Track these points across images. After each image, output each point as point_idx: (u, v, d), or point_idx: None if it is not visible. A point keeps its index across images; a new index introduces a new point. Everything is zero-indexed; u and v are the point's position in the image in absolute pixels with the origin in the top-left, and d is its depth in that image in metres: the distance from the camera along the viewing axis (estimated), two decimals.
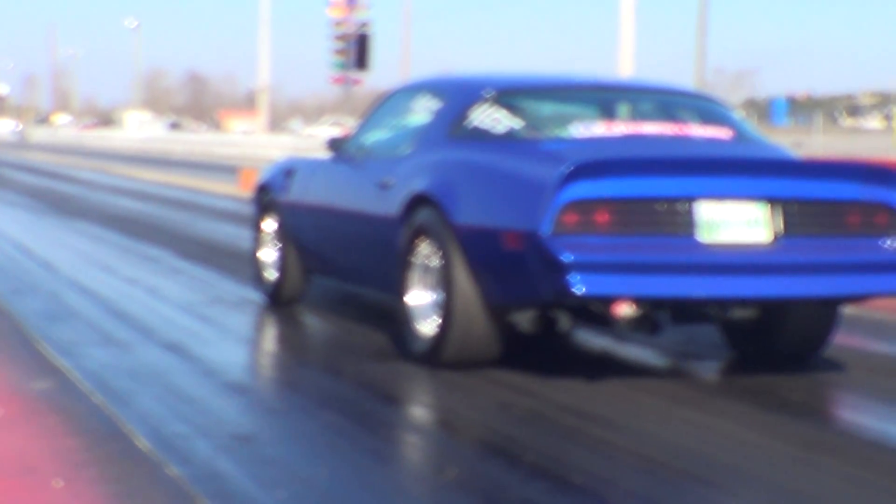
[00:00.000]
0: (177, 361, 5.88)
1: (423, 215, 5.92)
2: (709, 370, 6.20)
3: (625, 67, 28.10)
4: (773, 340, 6.15)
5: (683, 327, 6.83)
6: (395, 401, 5.27)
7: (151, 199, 18.94)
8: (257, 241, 8.11)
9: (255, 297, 8.11)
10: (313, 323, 7.47)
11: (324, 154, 7.71)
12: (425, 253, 5.94)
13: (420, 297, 6.00)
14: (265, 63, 52.05)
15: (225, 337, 6.68)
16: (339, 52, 39.85)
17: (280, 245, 7.79)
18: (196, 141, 56.82)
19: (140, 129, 78.30)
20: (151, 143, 60.27)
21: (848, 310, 7.77)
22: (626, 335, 6.72)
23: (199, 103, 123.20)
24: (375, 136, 7.11)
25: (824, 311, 6.08)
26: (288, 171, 7.85)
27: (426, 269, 5.97)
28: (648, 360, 6.35)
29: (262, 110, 54.16)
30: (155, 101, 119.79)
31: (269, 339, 7.06)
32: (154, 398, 5.07)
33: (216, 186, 23.37)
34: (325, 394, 5.30)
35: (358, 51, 39.10)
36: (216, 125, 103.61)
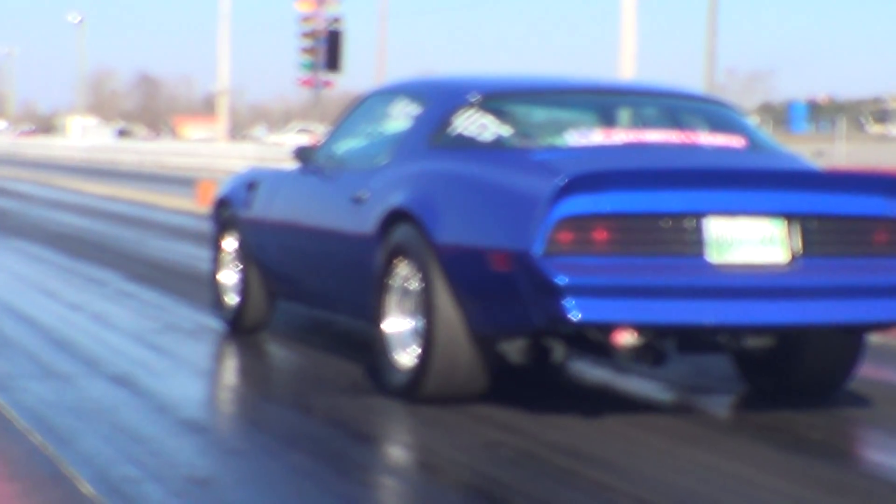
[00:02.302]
0: (126, 396, 5.88)
1: (401, 233, 5.94)
2: (718, 405, 6.23)
3: (626, 69, 28.19)
4: (790, 372, 6.17)
5: (690, 358, 6.85)
6: (369, 440, 5.27)
7: (97, 215, 18.91)
8: (216, 261, 8.11)
9: (214, 324, 8.11)
10: (279, 353, 7.47)
11: (290, 165, 7.72)
12: (404, 275, 5.95)
13: (398, 325, 6.01)
14: (225, 63, 52.09)
15: (180, 369, 6.67)
16: (308, 50, 39.87)
17: (241, 266, 7.79)
18: (148, 150, 56.77)
19: (85, 137, 78.22)
20: (98, 152, 60.17)
21: (874, 338, 7.81)
22: (627, 366, 6.74)
23: (151, 108, 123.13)
24: (348, 145, 7.13)
25: (848, 340, 6.09)
26: (250, 184, 7.86)
27: (405, 292, 5.98)
28: (651, 395, 6.37)
29: (221, 116, 54.17)
30: (101, 105, 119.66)
31: (230, 371, 7.06)
32: (100, 437, 5.06)
33: (170, 201, 23.35)
34: (292, 432, 5.30)
35: (329, 50, 39.14)
36: (171, 132, 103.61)
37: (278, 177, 7.70)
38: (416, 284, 5.83)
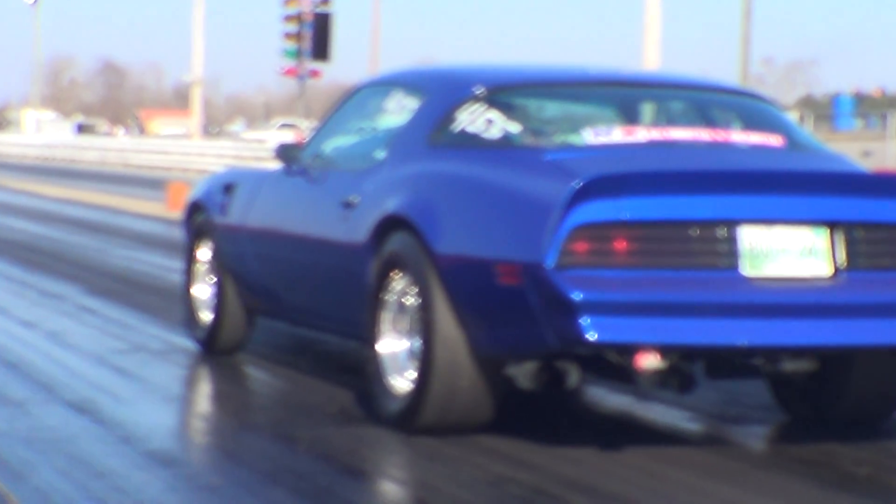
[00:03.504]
0: (86, 425, 5.89)
1: (397, 242, 5.95)
2: (752, 437, 6.24)
3: (650, 57, 28.23)
4: (833, 400, 6.18)
5: (721, 384, 6.86)
6: (360, 475, 5.27)
7: (54, 221, 18.92)
8: (189, 273, 8.12)
9: (186, 343, 8.12)
10: (259, 376, 7.47)
11: (272, 165, 7.73)
12: (400, 289, 5.97)
13: (393, 345, 6.02)
14: (199, 50, 52.16)
15: (147, 394, 6.68)
16: (292, 36, 39.89)
17: (216, 279, 7.80)
18: (112, 147, 56.80)
19: (40, 132, 78.26)
20: (55, 149, 60.20)
21: None
22: (650, 393, 6.75)
23: (115, 100, 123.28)
24: (337, 143, 7.15)
25: None
26: (227, 186, 7.87)
27: (401, 309, 5.99)
28: (677, 424, 6.38)
29: (195, 109, 54.23)
30: (59, 97, 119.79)
31: (203, 396, 7.06)
32: (56, 472, 5.07)
33: (137, 204, 23.37)
34: (273, 466, 5.31)
35: (316, 35, 39.16)
36: (138, 127, 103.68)
37: (258, 178, 7.70)
38: (414, 300, 5.85)
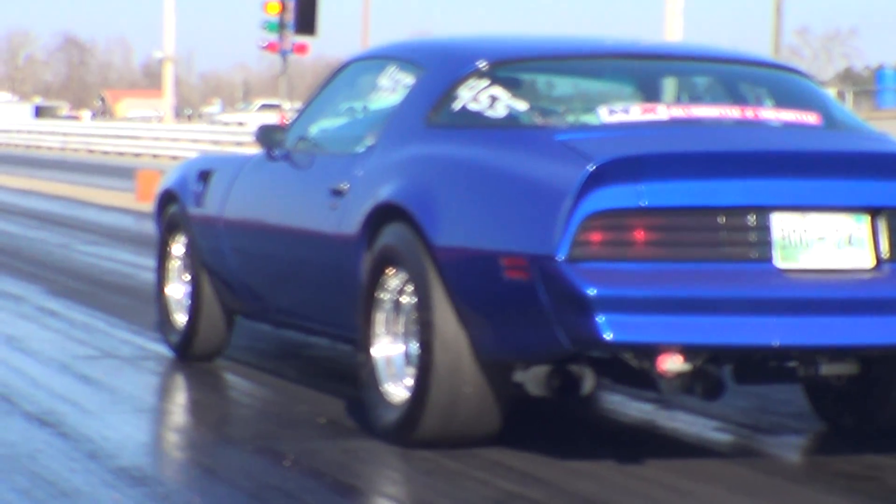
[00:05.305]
0: (48, 439, 5.89)
1: (392, 235, 5.96)
2: (788, 448, 6.26)
3: (672, 28, 28.24)
4: (877, 407, 6.19)
5: (752, 389, 6.87)
6: (352, 492, 5.29)
7: (12, 214, 18.94)
8: (162, 271, 8.13)
9: (160, 349, 8.13)
10: (240, 385, 7.49)
11: (252, 150, 7.74)
12: (395, 287, 5.98)
13: (388, 349, 6.04)
14: (170, 23, 52.15)
15: (116, 405, 6.69)
16: (274, 6, 39.88)
17: (192, 276, 7.81)
18: (75, 132, 56.80)
19: None
20: (11, 134, 60.24)
21: None
22: (673, 400, 6.77)
23: (78, 80, 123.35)
24: (324, 125, 7.16)
25: None
26: (203, 174, 7.87)
27: (397, 309, 6.01)
28: (704, 435, 6.40)
29: (166, 89, 54.22)
30: (16, 76, 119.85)
31: (179, 407, 7.07)
32: (16, 491, 5.07)
33: (103, 196, 23.39)
34: (256, 483, 5.32)
35: (301, 5, 39.15)
36: (105, 110, 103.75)
37: (237, 164, 7.71)
38: (410, 299, 5.86)
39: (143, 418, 6.61)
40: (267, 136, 7.31)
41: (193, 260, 7.83)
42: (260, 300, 7.42)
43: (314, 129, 7.16)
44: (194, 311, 7.77)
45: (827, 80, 74.78)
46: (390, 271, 5.98)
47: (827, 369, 5.74)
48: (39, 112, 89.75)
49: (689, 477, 5.51)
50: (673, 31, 28.09)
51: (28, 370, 7.47)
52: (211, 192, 7.73)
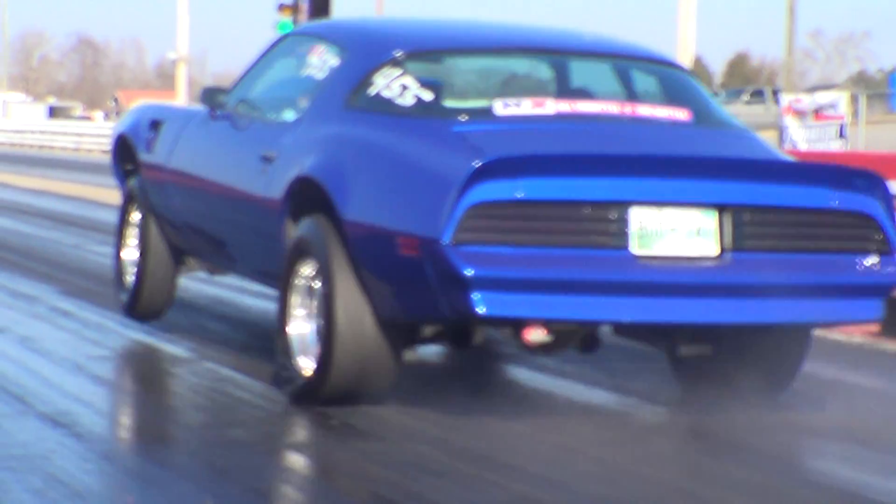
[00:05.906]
0: (62, 440, 5.90)
1: (306, 227, 6.46)
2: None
3: (685, 30, 28.23)
4: (730, 376, 6.71)
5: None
6: (364, 492, 5.30)
7: (25, 214, 18.94)
8: (121, 237, 8.69)
9: (175, 349, 8.13)
10: (251, 386, 7.47)
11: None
12: (309, 273, 6.50)
13: (302, 327, 6.58)
14: (184, 23, 52.23)
15: (130, 406, 6.69)
16: (287, 8, 39.88)
17: (141, 216, 8.33)
18: (88, 132, 56.87)
19: (9, 116, 78.42)
20: (25, 135, 60.34)
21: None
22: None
23: (92, 80, 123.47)
24: (262, 92, 7.62)
25: (794, 336, 6.63)
26: (154, 122, 8.37)
27: (310, 292, 6.52)
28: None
29: (180, 89, 54.30)
30: (30, 77, 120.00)
31: (192, 408, 7.07)
32: (30, 492, 5.09)
33: (117, 196, 23.30)
34: (268, 483, 5.32)
35: (315, 6, 39.14)
36: (119, 110, 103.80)
37: (185, 117, 8.20)
38: (320, 284, 6.40)
39: (156, 419, 6.62)
40: (210, 97, 7.85)
41: (143, 203, 8.33)
42: (198, 244, 8.02)
43: (252, 95, 7.63)
44: (143, 247, 8.28)
45: (840, 82, 74.65)
46: (304, 260, 6.48)
47: (684, 351, 6.55)
48: (53, 112, 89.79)
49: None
50: (686, 33, 28.11)
51: (42, 370, 7.48)
52: (160, 140, 8.24)
